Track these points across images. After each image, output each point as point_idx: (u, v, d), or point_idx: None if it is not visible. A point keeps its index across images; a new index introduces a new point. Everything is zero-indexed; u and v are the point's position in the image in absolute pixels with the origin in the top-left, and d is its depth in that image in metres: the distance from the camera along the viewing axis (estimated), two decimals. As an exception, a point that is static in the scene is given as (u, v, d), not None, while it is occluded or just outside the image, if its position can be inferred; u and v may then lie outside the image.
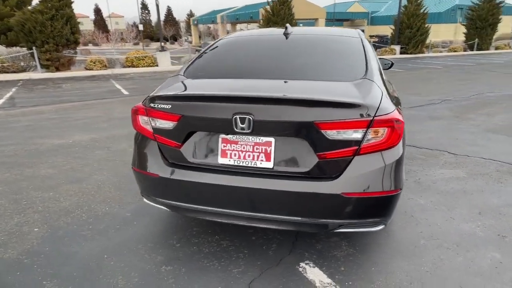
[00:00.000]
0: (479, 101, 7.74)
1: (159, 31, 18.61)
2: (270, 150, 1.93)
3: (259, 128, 1.89)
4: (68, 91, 10.09)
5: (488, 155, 4.25)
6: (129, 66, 15.93)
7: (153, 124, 2.14)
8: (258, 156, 1.96)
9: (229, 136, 1.99)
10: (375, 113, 1.83)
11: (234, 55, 2.73)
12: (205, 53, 2.79)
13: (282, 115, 1.87)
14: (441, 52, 25.43)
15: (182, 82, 2.34)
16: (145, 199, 2.37)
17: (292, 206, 1.93)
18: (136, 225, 2.76)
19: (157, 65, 16.50)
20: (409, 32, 22.59)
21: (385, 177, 1.88)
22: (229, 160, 2.00)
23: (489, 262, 2.28)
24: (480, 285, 2.07)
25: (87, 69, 14.95)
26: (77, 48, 16.11)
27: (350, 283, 2.09)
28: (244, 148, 1.98)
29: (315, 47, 2.68)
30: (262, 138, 1.94)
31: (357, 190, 1.85)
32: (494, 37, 27.18)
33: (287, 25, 2.99)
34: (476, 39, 25.78)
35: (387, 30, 27.64)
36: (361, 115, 1.81)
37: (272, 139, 1.92)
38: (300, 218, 1.94)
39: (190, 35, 58.40)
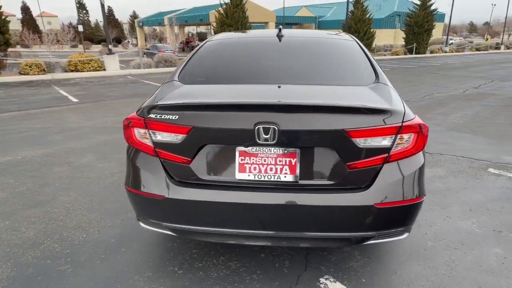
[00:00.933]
0: (432, 101, 8.24)
1: (105, 32, 17.50)
2: (295, 162, 1.77)
3: (283, 139, 1.72)
4: (2, 99, 9.01)
5: (459, 152, 4.47)
6: (72, 71, 14.73)
7: (154, 138, 1.87)
8: (281, 169, 1.78)
9: (248, 149, 1.78)
10: (403, 119, 1.75)
11: (233, 58, 2.52)
12: (196, 56, 2.54)
13: (309, 124, 1.72)
14: (384, 55, 27.06)
15: (182, 89, 2.09)
16: (142, 224, 2.07)
17: (320, 221, 1.78)
18: (126, 252, 2.42)
19: (104, 69, 15.48)
20: (357, 36, 23.74)
21: (413, 184, 1.81)
22: (249, 175, 1.80)
23: (495, 258, 2.32)
24: (495, 282, 2.09)
25: (22, 73, 13.54)
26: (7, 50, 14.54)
27: (376, 297, 1.99)
28: (265, 161, 1.79)
29: (315, 51, 2.57)
30: (286, 149, 1.76)
31: (389, 200, 1.75)
32: (429, 41, 29.58)
33: (280, 27, 2.85)
34: (415, 43, 27.86)
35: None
36: (391, 121, 1.72)
37: (297, 150, 1.76)
38: (330, 234, 1.80)
39: (135, 38, 56.08)
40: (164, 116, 1.81)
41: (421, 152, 1.85)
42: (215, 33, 19.42)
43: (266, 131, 1.69)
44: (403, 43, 29.22)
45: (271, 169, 1.79)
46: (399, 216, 1.82)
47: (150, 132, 1.87)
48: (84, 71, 14.78)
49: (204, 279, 2.14)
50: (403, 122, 1.74)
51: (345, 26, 24.05)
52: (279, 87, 2.02)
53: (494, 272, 2.19)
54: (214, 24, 19.64)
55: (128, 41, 57.69)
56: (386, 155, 1.75)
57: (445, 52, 30.79)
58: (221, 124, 1.76)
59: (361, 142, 1.71)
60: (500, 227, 2.70)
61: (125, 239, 2.58)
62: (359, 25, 23.88)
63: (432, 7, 27.84)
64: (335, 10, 50.72)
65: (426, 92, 9.56)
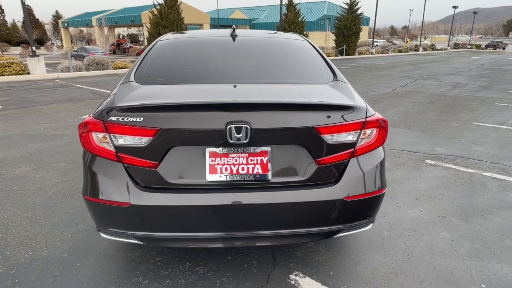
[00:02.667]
0: (367, 100, 8.82)
1: (28, 33, 15.86)
2: (267, 161, 1.77)
3: (255, 138, 1.71)
4: None
5: (398, 146, 4.86)
6: (-11, 75, 13.14)
7: (115, 142, 1.74)
8: (253, 168, 1.77)
9: (219, 149, 1.75)
10: (366, 114, 1.85)
11: (190, 58, 2.45)
12: (149, 56, 2.42)
13: (280, 122, 1.73)
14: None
15: (142, 89, 1.97)
16: (103, 234, 1.92)
17: (293, 217, 1.80)
18: (82, 267, 2.22)
19: (28, 73, 14.06)
20: (293, 38, 24.61)
21: (376, 177, 1.92)
22: (220, 176, 1.76)
23: (444, 241, 2.56)
24: (447, 263, 2.31)
25: None
26: None
27: (345, 286, 2.08)
28: (236, 161, 1.76)
29: (271, 50, 2.61)
30: (257, 148, 1.76)
31: (356, 193, 1.84)
32: (357, 43, 31.74)
33: (234, 26, 2.85)
34: (345, 45, 29.70)
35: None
36: (356, 117, 1.81)
37: (268, 148, 1.77)
38: (302, 230, 1.83)
39: (60, 39, 51.95)
40: (127, 119, 1.70)
41: (381, 147, 1.97)
42: (150, 34, 18.70)
43: (238, 130, 1.68)
44: (334, 45, 30.99)
45: (243, 169, 1.77)
46: (366, 208, 1.92)
47: (111, 136, 1.74)
48: (4, 75, 13.26)
49: (173, 286, 2.05)
50: (366, 117, 1.84)
51: (279, 29, 24.78)
52: (242, 86, 2.01)
53: (446, 254, 2.41)
54: (148, 25, 18.87)
55: (52, 43, 53.27)
56: (352, 150, 1.83)
57: (372, 53, 33.29)
58: (190, 124, 1.70)
59: (329, 138, 1.77)
60: (444, 213, 2.99)
61: (79, 253, 2.37)
62: (292, 28, 24.75)
63: (359, 12, 29.93)
64: (268, 12, 52.02)
65: (361, 91, 10.24)
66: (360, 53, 32.12)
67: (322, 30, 43.21)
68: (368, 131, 1.86)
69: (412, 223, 2.80)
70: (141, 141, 1.71)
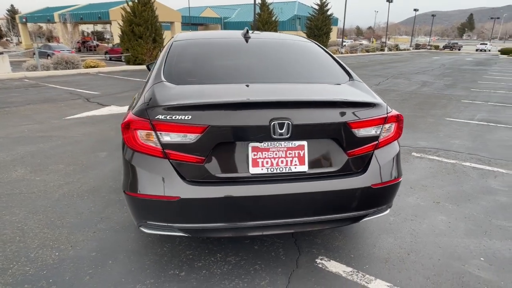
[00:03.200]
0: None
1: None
2: (304, 154, 1.94)
3: (294, 133, 1.87)
4: None
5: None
6: None
7: (162, 139, 1.84)
8: (291, 161, 1.93)
9: (260, 144, 1.89)
10: (387, 111, 2.06)
11: (213, 58, 2.57)
12: (170, 57, 2.49)
13: (317, 118, 1.90)
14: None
15: (180, 89, 2.06)
16: (144, 229, 2.00)
17: (327, 205, 1.98)
18: (115, 264, 2.28)
19: (-9, 72, 13.33)
20: (265, 38, 24.90)
21: (395, 167, 2.14)
22: (262, 169, 1.91)
23: (443, 223, 2.85)
24: (449, 241, 2.58)
25: None
26: None
27: (366, 266, 2.29)
28: (276, 154, 1.92)
29: (286, 51, 2.78)
30: (295, 142, 1.92)
31: (381, 181, 2.05)
32: (328, 43, 32.62)
33: (247, 28, 2.98)
34: (315, 45, 30.36)
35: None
36: (380, 113, 2.02)
37: (304, 142, 1.93)
38: (334, 215, 2.02)
39: (17, 35, 49.14)
40: (175, 117, 1.80)
41: (398, 139, 2.20)
42: (123, 32, 18.22)
43: (281, 126, 1.83)
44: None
45: (282, 162, 1.92)
46: (387, 194, 2.14)
47: (158, 134, 1.83)
48: (-36, 74, 12.50)
49: (209, 277, 2.17)
50: (387, 113, 2.05)
51: (253, 28, 24.99)
52: (273, 85, 2.17)
53: (446, 234, 2.69)
54: (120, 22, 18.37)
55: (8, 39, 50.31)
56: (376, 142, 2.04)
57: (341, 53, 34.28)
58: (237, 121, 1.83)
59: (359, 132, 1.97)
60: (437, 199, 3.29)
61: (107, 251, 2.42)
62: (266, 27, 25.08)
63: (329, 12, 30.79)
64: (240, 11, 52.14)
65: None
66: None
67: (293, 30, 43.91)
68: (388, 125, 2.07)
69: (412, 209, 3.08)
70: (189, 138, 1.82)
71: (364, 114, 1.98)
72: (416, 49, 58.24)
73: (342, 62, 2.68)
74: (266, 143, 1.89)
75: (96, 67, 16.32)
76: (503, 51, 43.68)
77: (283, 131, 1.84)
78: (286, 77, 2.41)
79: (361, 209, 2.06)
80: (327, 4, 30.47)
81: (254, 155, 1.89)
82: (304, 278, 2.16)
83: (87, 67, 16.12)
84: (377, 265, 2.29)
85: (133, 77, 13.71)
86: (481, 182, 3.73)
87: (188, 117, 1.80)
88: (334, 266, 2.27)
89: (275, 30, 25.43)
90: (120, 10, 19.07)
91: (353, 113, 1.96)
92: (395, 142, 2.18)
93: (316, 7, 30.73)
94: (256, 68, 2.48)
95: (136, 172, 1.90)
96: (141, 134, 1.86)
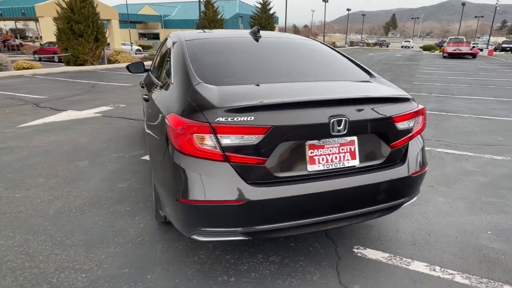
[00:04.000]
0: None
1: None
2: (354, 148, 2.01)
3: (349, 129, 1.93)
4: None
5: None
6: None
7: (222, 142, 1.78)
8: (344, 156, 1.99)
9: (316, 141, 1.92)
10: (417, 105, 2.22)
11: (237, 58, 2.54)
12: (190, 58, 2.39)
13: (368, 114, 1.98)
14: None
15: (227, 89, 2.00)
16: (198, 237, 1.92)
17: (377, 195, 2.08)
18: (155, 278, 2.15)
19: None
20: (211, 36, 24.65)
21: (423, 156, 2.31)
22: (318, 166, 1.94)
23: (444, 204, 3.12)
24: (456, 220, 2.85)
25: None
26: None
27: (399, 250, 2.44)
28: (330, 151, 1.96)
29: (302, 51, 2.83)
30: (346, 138, 1.98)
31: (417, 170, 2.20)
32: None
33: (257, 27, 2.97)
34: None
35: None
36: (414, 107, 2.16)
37: (355, 138, 2.00)
38: (382, 205, 2.11)
39: None
40: (237, 119, 1.75)
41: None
42: (60, 30, 16.71)
43: (339, 123, 1.87)
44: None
45: (336, 158, 1.97)
46: (420, 181, 2.30)
47: (218, 137, 1.77)
48: None
49: (261, 278, 2.15)
50: (417, 106, 2.20)
51: (199, 26, 24.61)
52: (316, 83, 2.22)
53: (451, 214, 2.96)
54: (50, 19, 16.74)
55: None
56: (410, 134, 2.18)
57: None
58: (298, 120, 1.83)
59: (400, 126, 2.09)
60: (430, 183, 3.59)
61: (140, 265, 2.27)
62: (212, 25, 24.83)
63: (271, 11, 31.41)
64: (180, 9, 50.77)
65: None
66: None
67: (236, 27, 43.95)
68: (419, 118, 2.23)
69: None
70: (251, 139, 1.78)
71: (403, 108, 2.10)
72: (351, 46, 61.96)
73: (354, 60, 2.79)
74: (321, 140, 1.92)
75: (31, 68, 14.82)
76: (425, 48, 48.54)
77: (340, 127, 1.89)
78: (317, 75, 2.45)
79: (402, 196, 2.19)
80: (270, 3, 31.04)
81: (311, 152, 1.92)
82: (350, 267, 2.24)
83: (19, 69, 14.56)
84: (408, 248, 2.45)
85: (79, 79, 12.72)
86: (458, 165, 4.14)
87: (250, 118, 1.76)
88: (372, 254, 2.39)
89: (222, 28, 25.31)
90: (51, 6, 17.46)
91: (395, 108, 2.07)
92: (422, 133, 2.34)
93: (259, 5, 31.15)
94: (284, 67, 2.50)
95: (192, 178, 1.81)
96: (199, 138, 1.78)
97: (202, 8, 24.87)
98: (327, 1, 44.07)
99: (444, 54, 29.35)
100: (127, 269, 2.23)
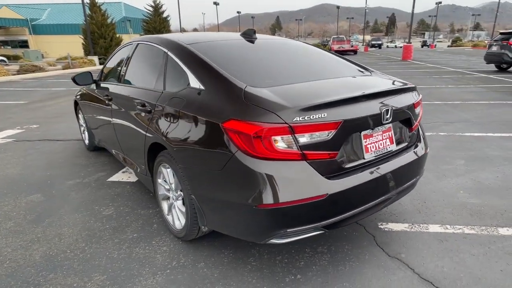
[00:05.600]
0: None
1: None
2: (391, 134, 2.24)
3: (392, 117, 2.15)
4: None
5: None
6: None
7: (300, 141, 1.81)
8: (386, 142, 2.21)
9: (368, 131, 2.09)
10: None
11: (255, 59, 2.56)
12: (211, 61, 2.31)
13: (400, 102, 2.23)
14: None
15: (280, 90, 2.01)
16: (277, 241, 1.91)
17: (410, 173, 2.35)
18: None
19: None
20: (104, 42, 22.60)
21: (427, 138, 2.69)
22: (371, 154, 2.11)
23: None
24: (434, 186, 3.37)
25: None
26: None
27: (413, 219, 2.79)
28: (377, 138, 2.15)
29: (302, 51, 2.99)
30: (386, 125, 2.20)
31: (428, 149, 2.56)
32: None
33: (254, 29, 2.99)
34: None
35: (75, 40, 26.18)
36: (419, 95, 2.52)
37: (390, 125, 2.23)
38: (411, 181, 2.40)
39: None
40: (313, 116, 1.80)
41: None
42: None
43: (387, 112, 2.08)
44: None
45: (381, 145, 2.18)
46: (426, 160, 2.66)
47: (296, 137, 1.79)
48: None
49: (324, 269, 2.22)
50: (420, 95, 2.57)
51: (87, 31, 22.37)
52: (348, 79, 2.43)
53: (427, 182, 3.48)
54: None
55: None
56: (420, 118, 2.53)
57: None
58: (361, 113, 1.98)
59: (416, 111, 2.42)
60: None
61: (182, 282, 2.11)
62: (103, 30, 22.84)
63: (165, 14, 30.47)
64: (51, 12, 44.65)
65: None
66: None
67: (125, 32, 41.00)
68: (421, 104, 2.60)
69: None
70: (325, 135, 1.85)
71: (416, 96, 2.45)
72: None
73: (344, 57, 3.07)
74: (372, 130, 2.11)
75: None
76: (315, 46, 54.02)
77: (388, 116, 2.10)
78: (334, 72, 2.60)
79: (420, 172, 2.52)
80: (162, 5, 30.00)
81: (365, 142, 2.08)
82: (387, 241, 2.49)
83: None
84: (418, 216, 2.83)
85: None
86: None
87: (324, 115, 1.83)
88: (396, 226, 2.69)
89: (114, 33, 23.45)
90: None
91: (413, 96, 2.39)
92: None
93: (150, 8, 29.83)
94: (303, 66, 2.63)
95: (274, 181, 1.79)
96: (278, 139, 1.77)
97: (88, 11, 22.62)
98: (218, 4, 44.73)
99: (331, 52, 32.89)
100: (175, 285, 2.05)
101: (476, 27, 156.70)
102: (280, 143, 1.79)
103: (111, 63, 3.94)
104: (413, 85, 2.48)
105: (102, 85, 3.87)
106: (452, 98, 8.33)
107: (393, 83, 2.46)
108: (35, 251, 2.54)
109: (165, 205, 2.74)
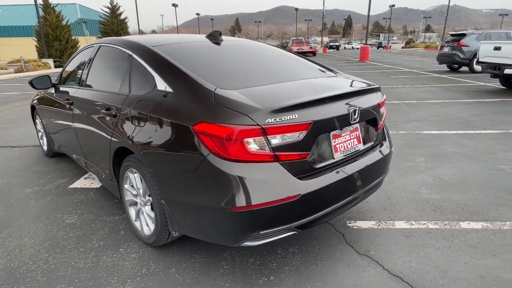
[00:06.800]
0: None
1: None
2: (359, 134, 2.31)
3: (359, 117, 2.21)
4: None
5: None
6: None
7: (272, 143, 1.82)
8: (353, 142, 2.27)
9: (337, 131, 2.14)
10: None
11: (219, 62, 2.54)
12: (180, 62, 2.27)
13: (366, 103, 2.31)
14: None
15: (249, 91, 2.01)
16: (250, 243, 1.90)
17: (376, 172, 2.43)
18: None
19: None
20: (59, 44, 21.51)
21: (391, 137, 2.80)
22: (340, 154, 2.16)
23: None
24: (391, 186, 3.52)
25: None
26: None
27: (379, 216, 2.89)
28: (345, 138, 2.20)
29: (269, 52, 3.00)
30: (353, 125, 2.26)
31: (392, 148, 2.67)
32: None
33: (220, 31, 2.97)
34: (117, 50, 28.63)
35: (28, 42, 24.68)
36: (383, 95, 2.62)
37: (357, 125, 2.30)
38: (377, 180, 2.48)
39: None
40: (284, 118, 1.82)
41: None
42: None
43: (355, 112, 2.14)
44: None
45: (349, 144, 2.24)
46: (391, 158, 2.76)
47: (268, 138, 1.80)
48: None
49: (296, 268, 2.24)
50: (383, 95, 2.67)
51: (41, 33, 21.19)
52: (316, 80, 2.49)
53: (391, 180, 3.62)
54: None
55: None
56: (384, 118, 2.63)
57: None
58: (329, 114, 2.02)
59: (381, 110, 2.51)
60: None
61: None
62: (58, 32, 21.72)
63: (122, 16, 29.50)
64: (2, 14, 41.72)
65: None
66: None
67: (81, 34, 39.09)
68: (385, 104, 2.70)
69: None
70: (296, 136, 1.87)
71: (380, 96, 2.54)
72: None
73: (307, 58, 3.14)
74: (340, 130, 2.16)
75: None
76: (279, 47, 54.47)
77: (355, 116, 2.16)
78: (300, 74, 2.62)
79: (386, 170, 2.62)
80: (119, 7, 29.02)
81: (334, 141, 2.13)
82: (356, 239, 2.56)
83: None
84: (384, 213, 2.94)
85: None
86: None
87: (295, 116, 1.85)
88: (363, 224, 2.77)
89: (70, 36, 22.37)
90: None
91: (378, 96, 2.48)
92: None
93: (107, 10, 28.78)
94: (269, 68, 2.62)
95: (245, 183, 1.78)
96: (250, 141, 1.77)
97: (41, 12, 21.43)
98: (177, 6, 44.11)
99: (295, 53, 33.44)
100: None
101: (428, 29, 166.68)
102: (253, 145, 1.78)
103: (71, 66, 3.76)
104: (378, 86, 2.57)
105: (61, 88, 3.69)
106: (409, 97, 8.77)
107: (358, 84, 2.53)
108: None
109: (132, 211, 2.65)
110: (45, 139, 4.57)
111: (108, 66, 2.98)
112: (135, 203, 2.60)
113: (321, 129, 2.01)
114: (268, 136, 1.79)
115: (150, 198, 2.32)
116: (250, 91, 2.04)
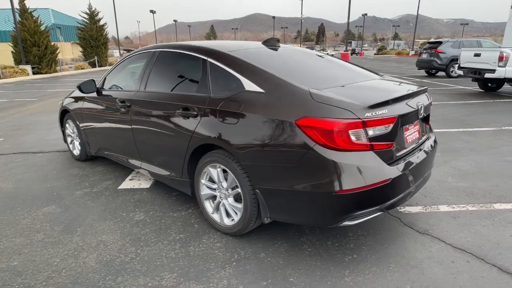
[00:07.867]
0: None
1: None
2: (418, 127, 2.66)
3: (424, 112, 2.58)
4: None
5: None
6: None
7: (369, 134, 2.12)
8: (416, 134, 2.61)
9: (407, 125, 2.47)
10: None
11: (295, 65, 2.84)
12: (264, 66, 2.55)
13: (425, 101, 2.67)
14: (69, 69, 25.53)
15: (338, 91, 2.31)
16: (351, 222, 2.18)
17: (431, 159, 2.77)
18: (269, 284, 2.24)
19: None
20: (37, 50, 20.86)
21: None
22: (410, 144, 2.50)
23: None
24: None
25: None
26: None
27: (424, 201, 3.25)
28: (411, 131, 2.54)
29: (321, 57, 3.31)
30: (415, 120, 2.60)
31: (437, 140, 3.04)
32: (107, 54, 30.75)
33: (277, 38, 3.25)
34: (96, 56, 28.11)
35: (4, 48, 23.69)
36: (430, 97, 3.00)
37: (418, 120, 2.64)
38: (431, 167, 2.84)
39: None
40: (378, 112, 2.13)
41: None
42: None
43: (421, 108, 2.50)
44: (83, 56, 28.85)
45: (414, 136, 2.58)
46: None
47: (366, 130, 2.10)
48: None
49: (373, 249, 2.53)
50: (428, 93, 3.05)
51: (18, 38, 20.49)
52: (377, 81, 2.79)
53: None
54: None
55: None
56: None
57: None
58: (408, 109, 2.36)
59: (431, 108, 2.87)
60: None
61: (272, 275, 2.28)
62: (36, 38, 21.09)
63: (102, 22, 29.02)
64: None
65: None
66: (111, 64, 31.34)
67: (55, 40, 37.78)
68: None
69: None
70: (386, 128, 2.19)
71: (429, 96, 2.91)
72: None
73: (352, 62, 3.47)
74: (411, 124, 2.50)
75: None
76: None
77: (422, 111, 2.52)
78: (361, 76, 2.92)
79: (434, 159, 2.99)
80: (98, 13, 28.50)
81: (405, 134, 2.46)
82: (410, 222, 2.89)
83: None
84: (426, 199, 3.30)
85: None
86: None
87: (385, 111, 2.17)
88: (412, 209, 3.11)
89: (49, 41, 21.74)
90: None
91: (428, 96, 2.84)
92: None
93: (85, 15, 28.20)
94: (332, 71, 2.93)
95: (350, 169, 2.07)
96: (352, 133, 2.06)
97: (18, 18, 20.75)
98: (155, 13, 43.81)
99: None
100: (292, 278, 2.21)
101: (395, 36, 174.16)
102: (354, 136, 2.07)
103: (119, 71, 3.91)
104: (427, 87, 2.94)
105: (108, 93, 3.81)
106: (402, 101, 9.36)
107: (411, 86, 2.89)
108: (86, 258, 2.49)
109: (207, 205, 2.84)
110: (76, 143, 4.63)
111: (175, 69, 3.17)
112: (213, 197, 2.80)
113: (402, 122, 2.34)
114: (366, 128, 2.09)
115: (237, 189, 2.53)
116: (339, 90, 2.34)
